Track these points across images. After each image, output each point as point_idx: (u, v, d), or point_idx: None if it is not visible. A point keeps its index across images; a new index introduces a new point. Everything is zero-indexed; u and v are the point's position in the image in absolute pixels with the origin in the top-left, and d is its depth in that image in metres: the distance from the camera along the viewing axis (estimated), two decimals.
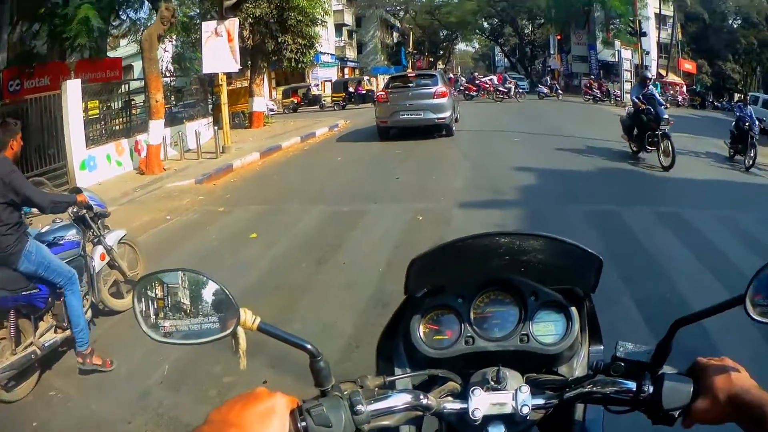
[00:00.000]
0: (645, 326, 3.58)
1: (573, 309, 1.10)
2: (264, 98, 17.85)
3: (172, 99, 14.12)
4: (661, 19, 41.58)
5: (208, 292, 0.82)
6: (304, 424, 0.73)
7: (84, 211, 3.76)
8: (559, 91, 30.74)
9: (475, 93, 27.67)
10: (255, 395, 0.70)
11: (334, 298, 4.25)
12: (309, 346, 0.82)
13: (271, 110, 21.73)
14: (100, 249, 3.90)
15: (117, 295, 4.14)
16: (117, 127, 11.14)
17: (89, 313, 3.68)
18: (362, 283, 4.43)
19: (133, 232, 4.86)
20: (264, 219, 6.59)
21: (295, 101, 25.84)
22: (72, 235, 3.62)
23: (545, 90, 30.07)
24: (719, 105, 30.48)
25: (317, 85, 30.04)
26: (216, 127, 12.01)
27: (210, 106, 14.46)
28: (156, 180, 9.33)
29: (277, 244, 5.61)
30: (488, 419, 0.90)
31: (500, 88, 26.06)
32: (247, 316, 0.82)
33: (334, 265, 4.92)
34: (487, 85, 27.54)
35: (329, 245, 5.48)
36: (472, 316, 1.10)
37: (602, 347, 1.14)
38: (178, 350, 3.23)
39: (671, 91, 34.82)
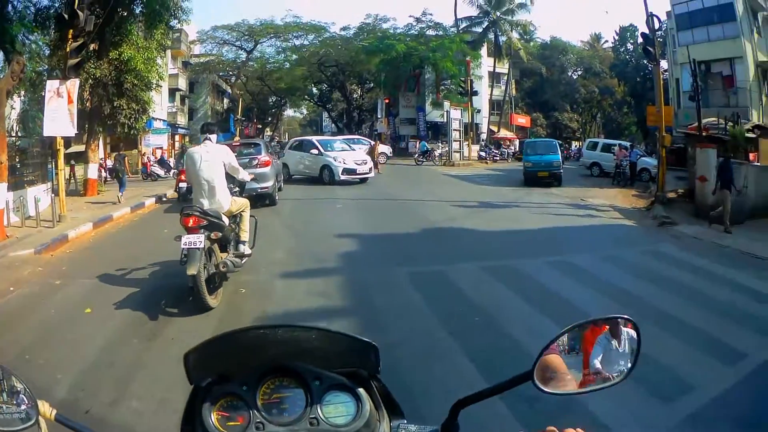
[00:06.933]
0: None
1: (360, 390, 1.13)
2: (96, 164, 17.16)
3: (17, 160, 13.33)
4: (494, 76, 43.00)
5: (10, 386, 0.89)
6: None
7: None
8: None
9: None
10: None
11: (167, 374, 4.23)
12: None
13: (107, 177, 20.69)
14: None
15: None
16: None
17: None
18: None
19: None
20: (97, 293, 6.66)
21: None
22: None
23: None
24: None
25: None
26: (53, 195, 11.74)
27: (51, 171, 13.74)
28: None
29: (111, 319, 5.71)
30: None
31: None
32: (45, 407, 0.90)
33: (164, 341, 5.07)
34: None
35: (159, 320, 5.55)
36: (259, 402, 1.11)
37: (405, 420, 1.16)
38: None
39: (504, 146, 37.74)
